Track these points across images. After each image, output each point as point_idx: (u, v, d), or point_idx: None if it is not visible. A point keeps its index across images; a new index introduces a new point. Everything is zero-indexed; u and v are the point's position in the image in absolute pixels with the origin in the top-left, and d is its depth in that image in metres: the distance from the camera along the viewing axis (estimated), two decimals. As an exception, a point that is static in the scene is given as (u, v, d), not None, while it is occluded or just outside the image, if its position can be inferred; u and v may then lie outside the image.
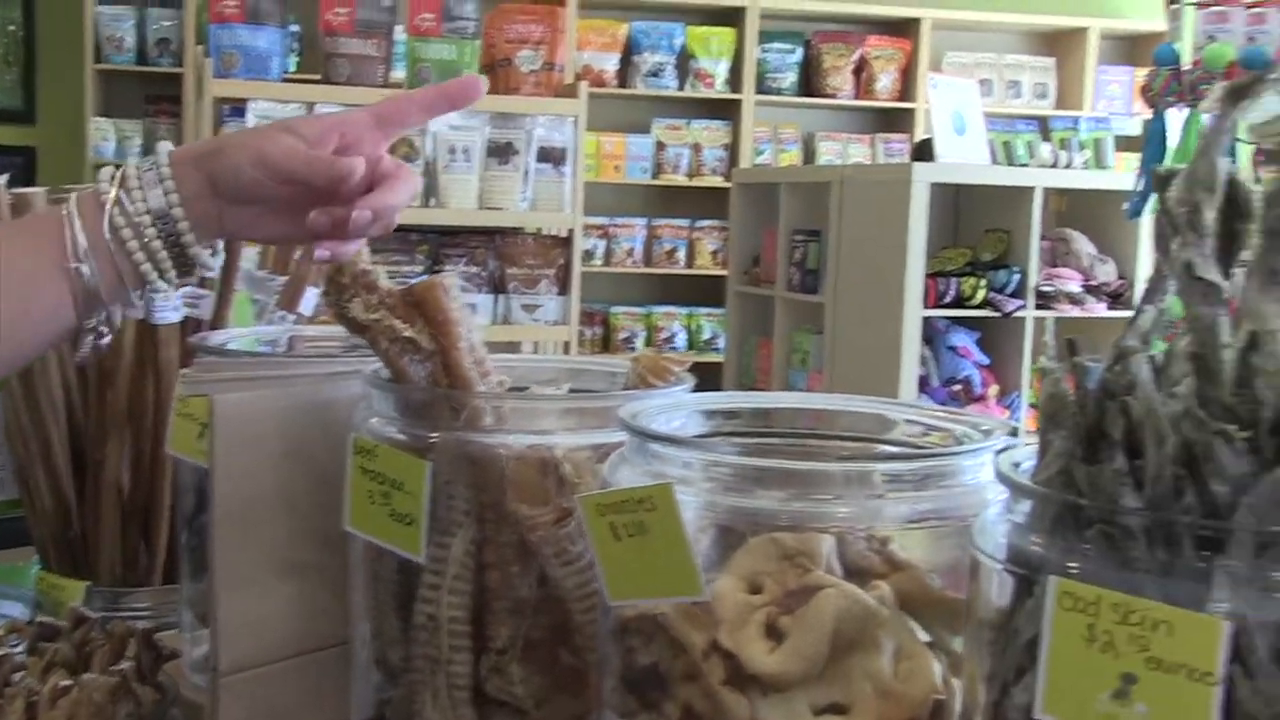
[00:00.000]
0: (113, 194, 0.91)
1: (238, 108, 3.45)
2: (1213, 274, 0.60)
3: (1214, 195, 0.61)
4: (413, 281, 0.94)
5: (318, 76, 3.65)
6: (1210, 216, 0.61)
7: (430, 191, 3.58)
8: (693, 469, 0.79)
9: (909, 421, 0.90)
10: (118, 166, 0.95)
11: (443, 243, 3.66)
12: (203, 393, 0.97)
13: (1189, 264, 0.60)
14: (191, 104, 3.46)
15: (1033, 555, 0.66)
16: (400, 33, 3.70)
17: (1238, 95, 0.58)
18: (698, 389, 0.97)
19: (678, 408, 0.90)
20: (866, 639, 0.78)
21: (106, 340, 0.95)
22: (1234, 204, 0.65)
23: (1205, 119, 2.86)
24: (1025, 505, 0.68)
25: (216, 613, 0.98)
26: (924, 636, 0.82)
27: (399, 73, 3.75)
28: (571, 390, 1.05)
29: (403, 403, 0.95)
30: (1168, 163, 2.99)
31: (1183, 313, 0.63)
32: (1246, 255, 0.68)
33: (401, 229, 3.55)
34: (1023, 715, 0.65)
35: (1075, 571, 0.63)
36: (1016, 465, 0.71)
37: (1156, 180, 0.70)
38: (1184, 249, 0.60)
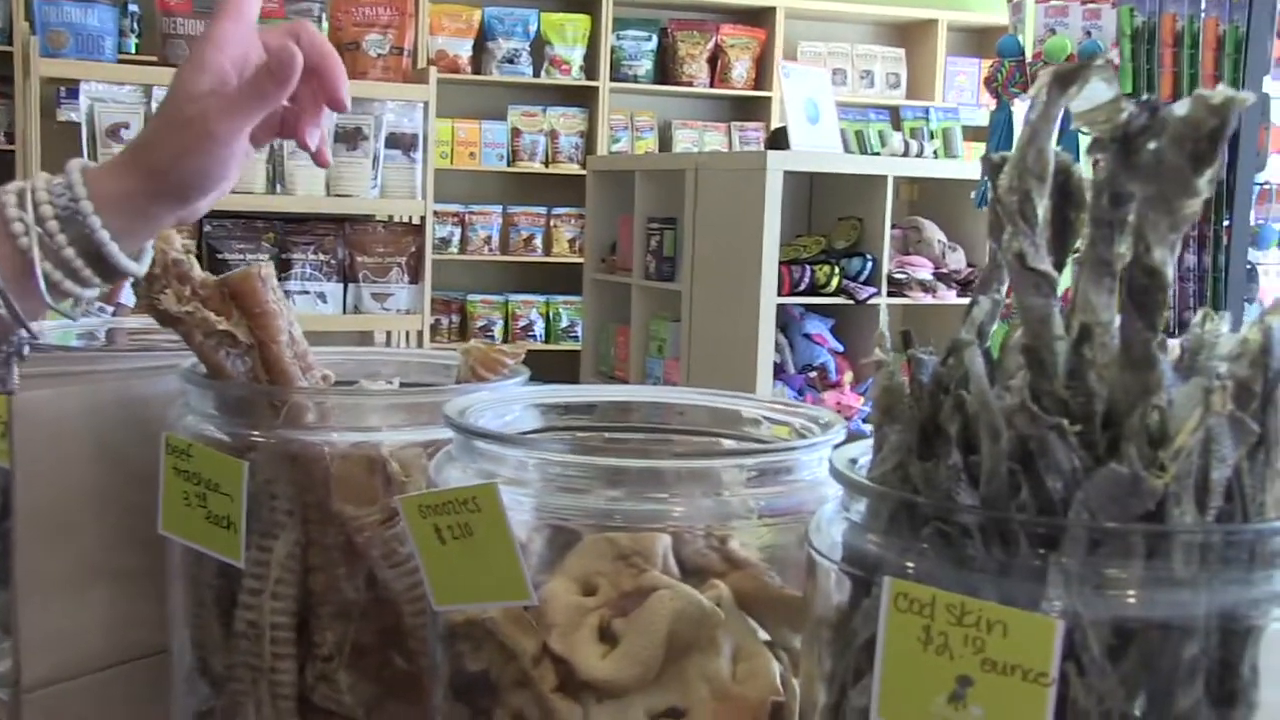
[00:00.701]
0: (30, 218, 0.78)
1: (72, 88, 3.30)
2: (1044, 264, 0.59)
3: (1044, 184, 0.59)
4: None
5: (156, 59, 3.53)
6: (1041, 205, 0.60)
7: (276, 178, 3.48)
8: (522, 468, 0.75)
9: (748, 414, 0.88)
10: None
11: (289, 230, 3.56)
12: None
13: (1020, 254, 0.58)
14: (20, 84, 3.30)
15: (869, 554, 0.64)
16: (243, 13, 3.59)
17: (1065, 81, 0.57)
18: (556, 378, 0.94)
19: (510, 402, 0.87)
20: (704, 640, 0.75)
21: (26, 355, 0.85)
22: (1067, 193, 0.64)
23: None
24: (862, 502, 0.66)
25: (19, 623, 0.92)
26: (764, 636, 0.80)
27: (242, 54, 3.63)
28: (402, 384, 1.00)
29: (220, 399, 0.90)
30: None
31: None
32: (1080, 245, 0.67)
33: (246, 216, 3.45)
34: (860, 718, 0.63)
35: (911, 571, 0.61)
36: (853, 461, 0.69)
37: (989, 168, 0.69)
38: (1015, 238, 0.58)
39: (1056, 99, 0.57)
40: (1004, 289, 0.70)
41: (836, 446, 0.74)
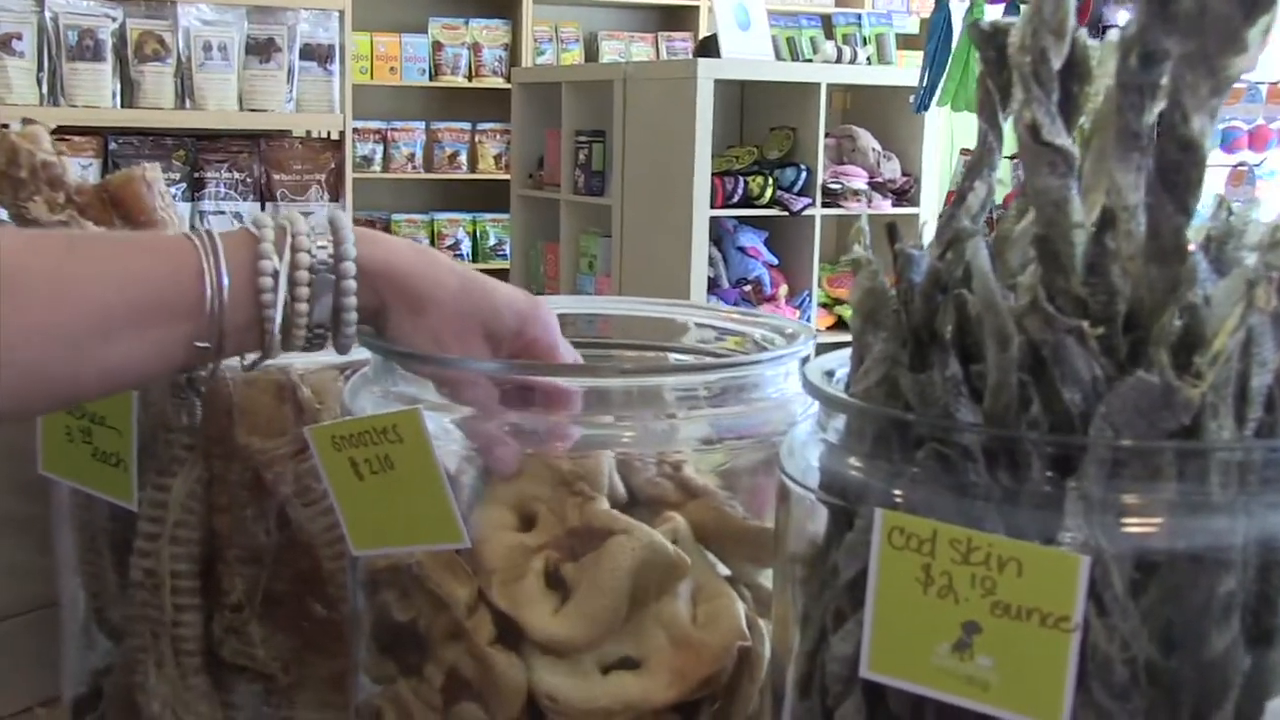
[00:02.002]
0: (285, 267, 0.65)
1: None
2: (1061, 138, 0.50)
3: (1063, 42, 0.50)
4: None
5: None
6: (1057, 67, 0.51)
7: (185, 93, 3.32)
8: (450, 391, 0.66)
9: (701, 325, 0.79)
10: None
11: (202, 148, 3.40)
12: None
13: (1034, 125, 0.50)
14: None
15: (851, 481, 0.56)
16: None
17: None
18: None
19: (435, 317, 0.77)
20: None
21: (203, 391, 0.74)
22: (1070, 63, 0.55)
23: (988, 9, 2.82)
24: (840, 421, 0.58)
25: (-116, 580, 0.82)
26: (725, 571, 0.72)
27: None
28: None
29: (104, 321, 0.79)
30: (952, 56, 2.95)
31: (1027, 186, 0.52)
32: (1085, 124, 0.59)
33: (154, 133, 3.29)
34: (845, 667, 0.55)
35: (902, 500, 0.53)
36: (829, 374, 0.61)
37: (978, 35, 0.59)
38: (1028, 106, 0.49)
39: (1079, -63, 0.48)
40: (993, 173, 0.61)
41: (805, 359, 0.65)
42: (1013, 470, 0.51)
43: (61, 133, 3.00)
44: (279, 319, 0.65)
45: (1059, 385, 0.50)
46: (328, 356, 0.80)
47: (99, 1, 3.07)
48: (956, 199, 0.59)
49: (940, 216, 0.60)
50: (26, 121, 0.88)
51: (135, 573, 0.79)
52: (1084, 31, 0.56)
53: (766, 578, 0.71)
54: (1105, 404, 0.49)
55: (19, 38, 2.97)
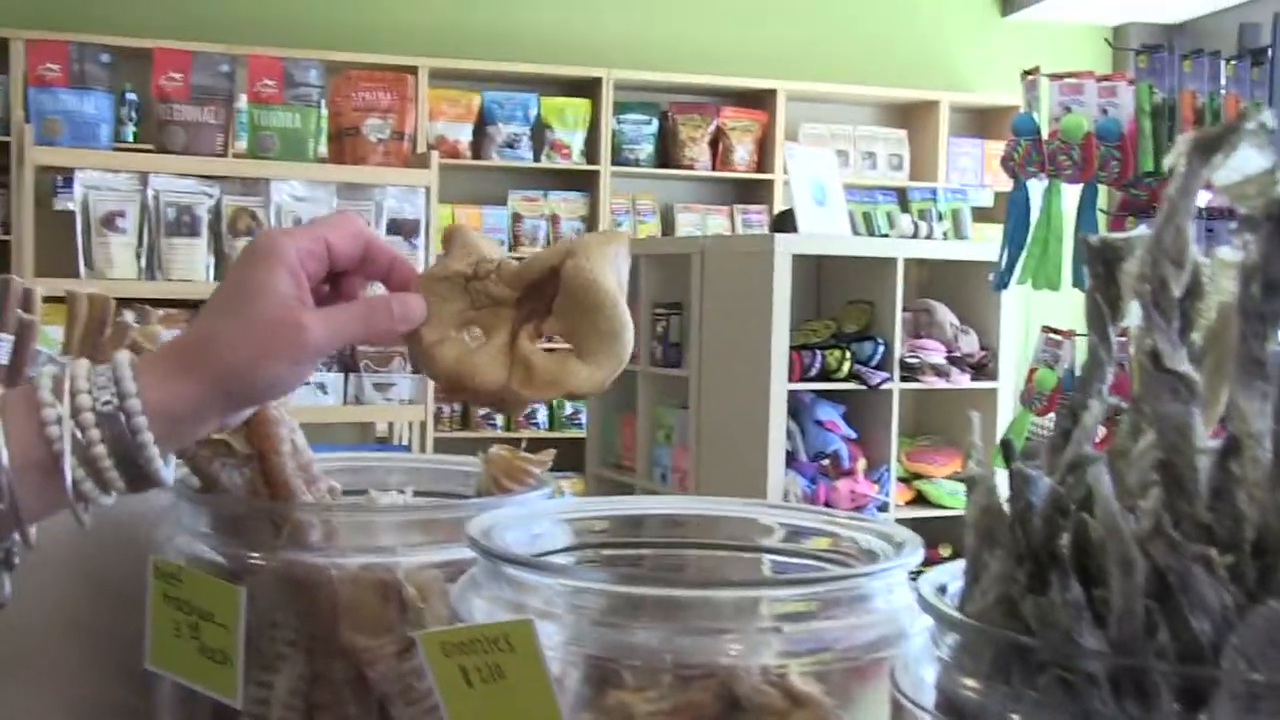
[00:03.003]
0: (66, 410, 0.66)
1: (69, 177, 3.25)
2: (1183, 365, 0.50)
3: (1182, 270, 0.51)
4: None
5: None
6: (1177, 295, 0.51)
7: (275, 266, 3.41)
8: (556, 598, 0.66)
9: (807, 528, 0.78)
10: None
11: (290, 319, 3.48)
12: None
13: (1155, 353, 0.50)
14: (15, 172, 3.24)
15: (969, 704, 0.55)
16: (242, 100, 3.54)
17: (1208, 148, 0.48)
18: (561, 467, 0.85)
19: (537, 518, 0.78)
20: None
21: (16, 565, 0.73)
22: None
23: (1065, 188, 2.84)
24: (954, 639, 0.57)
25: (-12, 770, 0.82)
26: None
27: (242, 142, 3.57)
28: (416, 494, 0.91)
29: (214, 516, 0.81)
30: (1031, 233, 2.97)
31: (1145, 409, 0.52)
32: (1198, 339, 0.59)
33: (245, 305, 3.37)
34: None
35: (1024, 727, 0.51)
36: (941, 590, 0.60)
37: (1086, 250, 0.60)
38: (1150, 334, 0.50)
39: (1198, 169, 0.49)
40: (1106, 388, 0.61)
41: (914, 574, 0.65)
42: (1140, 700, 0.50)
43: (156, 305, 3.08)
44: (68, 462, 0.65)
45: (1187, 613, 0.49)
46: (430, 554, 0.81)
47: (198, 180, 3.19)
48: (1069, 415, 0.59)
49: (1054, 432, 0.60)
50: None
51: (236, 770, 0.79)
52: (1197, 248, 0.56)
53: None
54: (1237, 635, 0.48)
55: (122, 215, 3.08)
